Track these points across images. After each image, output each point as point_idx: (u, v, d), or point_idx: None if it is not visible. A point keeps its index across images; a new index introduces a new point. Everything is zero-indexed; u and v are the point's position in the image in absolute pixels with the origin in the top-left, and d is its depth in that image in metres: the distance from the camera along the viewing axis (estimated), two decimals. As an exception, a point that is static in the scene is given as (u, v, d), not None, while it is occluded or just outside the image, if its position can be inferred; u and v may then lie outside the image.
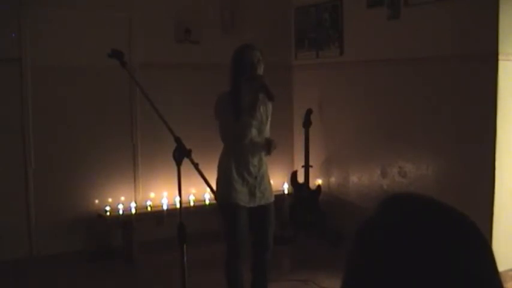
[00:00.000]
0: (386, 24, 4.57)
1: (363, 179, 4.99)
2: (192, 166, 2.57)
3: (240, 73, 3.18)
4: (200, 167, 2.57)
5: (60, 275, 4.41)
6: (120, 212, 4.74)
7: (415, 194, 0.78)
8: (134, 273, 4.61)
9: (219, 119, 3.27)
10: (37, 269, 4.43)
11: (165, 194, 4.90)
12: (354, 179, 5.10)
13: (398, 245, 0.70)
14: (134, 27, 4.88)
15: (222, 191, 3.25)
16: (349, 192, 5.15)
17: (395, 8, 4.48)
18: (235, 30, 5.31)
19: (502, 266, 0.81)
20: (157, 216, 4.90)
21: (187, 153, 2.58)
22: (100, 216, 4.74)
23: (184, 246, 2.60)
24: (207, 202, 5.07)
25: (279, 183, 5.38)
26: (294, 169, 5.48)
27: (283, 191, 5.48)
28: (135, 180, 4.97)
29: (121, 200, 4.79)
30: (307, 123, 5.17)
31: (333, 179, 5.36)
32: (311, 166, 5.20)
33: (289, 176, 5.41)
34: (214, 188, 3.22)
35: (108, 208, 4.73)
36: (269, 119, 3.36)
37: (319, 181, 5.36)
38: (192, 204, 5.03)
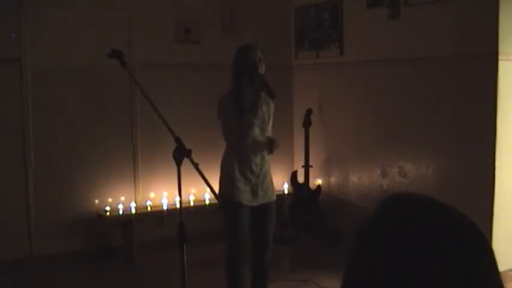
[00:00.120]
0: (386, 24, 4.57)
1: (363, 179, 4.99)
2: (192, 166, 2.56)
3: (241, 72, 3.19)
4: (200, 167, 2.57)
5: (60, 275, 4.41)
6: (120, 212, 4.74)
7: (415, 194, 0.78)
8: (134, 273, 4.61)
9: (221, 119, 3.27)
10: (37, 269, 4.43)
11: (165, 194, 4.91)
12: (354, 179, 5.10)
13: (398, 245, 0.70)
14: (134, 27, 4.88)
15: (225, 190, 3.27)
16: (349, 192, 5.15)
17: (395, 8, 4.48)
18: (235, 30, 5.31)
19: (502, 266, 0.81)
20: (157, 216, 4.90)
21: (187, 153, 2.58)
22: (100, 216, 4.74)
23: (184, 246, 2.60)
24: (207, 202, 5.07)
25: (279, 183, 5.38)
26: (294, 169, 5.48)
27: (283, 191, 5.48)
28: (135, 180, 4.97)
29: (121, 200, 4.79)
30: (307, 123, 5.17)
31: (333, 179, 5.36)
32: (311, 166, 5.20)
33: (289, 176, 5.41)
34: (217, 187, 3.23)
35: (108, 208, 4.73)
36: (271, 118, 3.36)
37: (319, 181, 5.36)
38: (192, 204, 5.03)
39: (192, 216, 4.36)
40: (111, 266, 4.68)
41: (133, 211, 4.80)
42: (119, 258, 4.75)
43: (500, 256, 0.81)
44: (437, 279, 0.67)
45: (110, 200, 4.78)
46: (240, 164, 3.24)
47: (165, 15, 5.01)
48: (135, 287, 4.42)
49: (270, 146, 3.24)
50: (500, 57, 3.74)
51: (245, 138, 3.19)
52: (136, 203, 4.88)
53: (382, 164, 4.75)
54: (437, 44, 4.16)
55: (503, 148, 3.84)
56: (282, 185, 5.47)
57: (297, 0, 5.61)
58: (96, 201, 4.78)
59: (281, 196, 5.29)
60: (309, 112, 5.19)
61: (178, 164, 2.59)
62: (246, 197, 3.23)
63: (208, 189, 2.62)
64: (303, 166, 5.21)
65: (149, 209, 4.92)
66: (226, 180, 3.28)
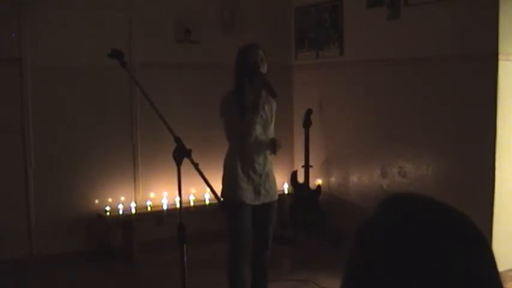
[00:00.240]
0: (386, 24, 4.57)
1: (363, 179, 4.99)
2: (192, 166, 2.56)
3: (243, 72, 3.20)
4: (200, 167, 2.57)
5: (60, 275, 4.41)
6: (120, 212, 4.74)
7: (415, 194, 0.78)
8: (134, 273, 4.61)
9: (223, 118, 3.28)
10: (37, 269, 4.43)
11: (165, 194, 4.91)
12: (354, 179, 5.10)
13: (398, 245, 0.70)
14: (134, 27, 4.88)
15: (228, 189, 3.28)
16: (349, 192, 5.15)
17: (395, 8, 4.48)
18: (235, 30, 5.31)
19: (502, 266, 0.82)
20: (157, 216, 4.90)
21: (187, 153, 2.58)
22: (100, 216, 4.74)
23: (184, 246, 2.60)
24: (207, 202, 5.07)
25: (279, 183, 5.36)
26: (294, 169, 5.48)
27: (283, 191, 5.48)
28: (135, 180, 4.97)
29: (121, 200, 4.79)
30: (307, 123, 5.17)
31: (333, 179, 5.36)
32: (311, 166, 5.20)
33: (289, 176, 5.41)
34: (217, 186, 3.23)
35: (108, 208, 4.73)
36: (274, 117, 3.37)
37: (319, 181, 5.36)
38: (192, 204, 5.03)
39: (192, 216, 4.36)
40: (111, 266, 4.68)
41: (133, 211, 4.80)
42: (119, 258, 4.75)
43: (500, 256, 0.81)
44: (437, 279, 0.67)
45: (110, 200, 4.78)
46: (242, 163, 3.25)
47: (165, 15, 5.01)
48: (135, 287, 4.42)
49: (273, 146, 3.25)
50: (500, 57, 3.74)
51: (247, 138, 3.20)
52: (136, 203, 4.88)
53: (382, 164, 4.75)
54: (437, 44, 4.16)
55: (503, 148, 3.84)
56: (282, 185, 5.47)
57: (297, 0, 5.61)
58: (96, 201, 4.78)
59: (281, 196, 5.27)
60: (309, 112, 5.19)
61: (178, 164, 2.59)
62: (248, 195, 3.24)
63: (208, 189, 2.61)
64: (303, 166, 5.21)
65: (149, 209, 4.92)
66: (229, 179, 3.29)
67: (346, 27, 5.07)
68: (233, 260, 3.29)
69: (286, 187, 5.52)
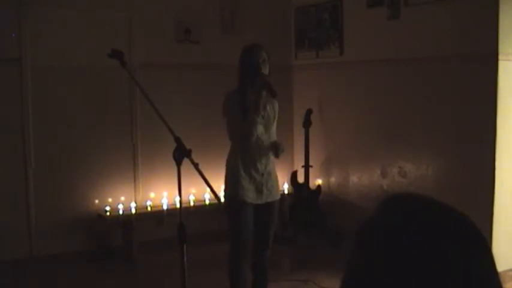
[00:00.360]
0: (386, 24, 4.57)
1: (363, 179, 4.99)
2: (192, 166, 2.56)
3: (246, 72, 3.21)
4: (200, 167, 2.57)
5: (60, 275, 4.41)
6: (120, 212, 4.74)
7: (415, 194, 0.78)
8: (134, 273, 4.61)
9: (226, 118, 3.29)
10: (37, 269, 4.43)
11: (165, 194, 4.91)
12: (354, 179, 5.10)
13: (398, 245, 0.70)
14: (134, 27, 4.88)
15: (230, 189, 3.29)
16: (349, 192, 5.15)
17: (395, 8, 4.48)
18: (235, 30, 5.31)
19: (502, 266, 0.82)
20: (157, 216, 4.90)
21: (187, 153, 2.58)
22: (100, 216, 4.74)
23: (184, 246, 2.60)
24: (207, 202, 5.07)
25: (279, 183, 5.37)
26: (294, 169, 5.48)
27: (283, 191, 5.47)
28: (135, 180, 4.97)
29: (121, 200, 4.79)
30: (307, 123, 5.17)
31: (333, 179, 5.36)
32: (311, 166, 5.20)
33: (289, 176, 5.41)
34: (217, 186, 3.24)
35: (108, 208, 4.73)
36: (276, 117, 3.38)
37: (319, 181, 5.36)
38: (192, 204, 5.03)
39: (192, 216, 4.36)
40: (111, 266, 4.68)
41: (133, 211, 4.80)
42: (119, 258, 4.75)
43: (500, 256, 0.81)
44: (437, 279, 0.67)
45: (110, 200, 4.78)
46: (244, 163, 3.26)
47: (165, 15, 5.01)
48: (135, 287, 4.42)
49: (276, 150, 3.27)
50: (500, 57, 3.74)
51: (249, 138, 3.20)
52: (136, 203, 4.88)
53: (382, 164, 4.75)
54: (437, 44, 4.16)
55: (503, 148, 3.84)
56: (282, 185, 5.46)
57: (297, 0, 5.61)
58: (96, 201, 4.78)
59: (281, 196, 5.27)
60: (309, 112, 5.19)
61: (178, 164, 2.59)
62: (250, 195, 3.25)
63: (208, 189, 2.61)
64: (303, 166, 5.21)
65: (149, 209, 4.92)
66: (231, 178, 3.30)
67: (346, 27, 5.07)
68: (234, 260, 3.29)
69: (286, 187, 5.52)
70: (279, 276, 4.14)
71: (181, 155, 2.58)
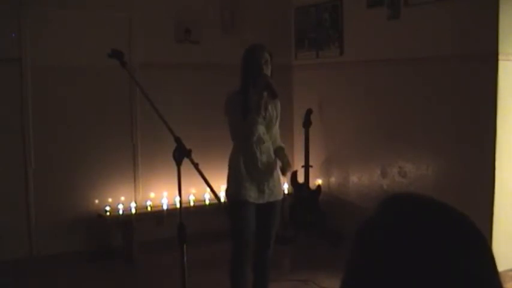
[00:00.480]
0: (386, 24, 4.57)
1: (363, 179, 4.99)
2: (192, 166, 2.56)
3: (248, 73, 3.22)
4: (200, 167, 2.57)
5: (60, 275, 4.41)
6: (120, 212, 4.74)
7: (415, 194, 0.78)
8: (134, 273, 4.61)
9: (228, 118, 3.29)
10: (37, 269, 4.43)
11: (165, 194, 4.91)
12: (354, 179, 5.10)
13: (398, 245, 0.70)
14: (134, 27, 4.88)
15: (232, 188, 3.30)
16: (349, 192, 5.15)
17: (395, 8, 4.48)
18: (235, 30, 5.31)
19: (502, 266, 0.82)
20: (157, 216, 4.90)
21: (187, 153, 2.58)
22: (100, 216, 4.74)
23: (184, 246, 2.60)
24: (207, 202, 5.07)
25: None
26: (294, 169, 5.47)
27: (283, 191, 5.47)
28: (135, 180, 4.97)
29: (121, 200, 4.79)
30: (307, 123, 5.17)
31: (333, 179, 5.36)
32: (311, 166, 5.20)
33: (289, 176, 5.40)
34: (218, 186, 3.25)
35: (108, 208, 4.73)
36: (279, 117, 3.38)
37: (319, 181, 5.35)
38: (192, 204, 5.03)
39: (192, 216, 4.36)
40: (111, 266, 4.68)
41: (133, 211, 4.80)
42: (119, 258, 4.75)
43: (500, 256, 0.81)
44: (437, 279, 0.67)
45: (110, 200, 4.78)
46: (246, 163, 3.26)
47: (165, 15, 5.01)
48: (135, 287, 4.42)
49: (283, 167, 3.30)
50: (500, 57, 3.74)
51: (250, 137, 3.21)
52: (136, 203, 4.88)
53: (382, 164, 4.75)
54: (437, 44, 4.16)
55: (503, 148, 3.84)
56: (282, 185, 5.46)
57: (297, 0, 5.61)
58: (96, 201, 4.78)
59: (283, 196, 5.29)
60: (309, 112, 5.19)
61: (178, 164, 2.59)
62: (252, 194, 3.25)
63: (208, 189, 2.61)
64: (303, 166, 5.21)
65: (149, 209, 4.92)
66: (233, 178, 3.31)
67: (346, 27, 5.07)
68: (235, 260, 3.29)
69: (286, 187, 5.51)
70: (279, 276, 4.14)
71: (181, 155, 2.58)
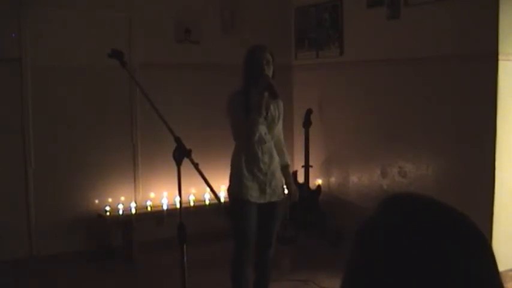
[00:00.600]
0: (386, 24, 4.57)
1: (363, 179, 4.99)
2: (192, 166, 2.56)
3: (250, 73, 3.22)
4: (200, 167, 2.57)
5: (60, 275, 4.41)
6: (120, 212, 4.74)
7: (415, 194, 0.78)
8: (134, 273, 4.61)
9: (229, 118, 3.30)
10: (37, 269, 4.42)
11: (165, 194, 4.90)
12: (354, 179, 5.10)
13: (398, 245, 0.70)
14: (134, 27, 4.88)
15: (233, 188, 3.31)
16: (349, 192, 5.15)
17: (395, 8, 4.48)
18: (235, 30, 5.31)
19: (502, 266, 0.81)
20: (157, 216, 4.90)
21: (187, 153, 2.58)
22: (100, 216, 4.74)
23: (184, 246, 2.59)
24: (207, 202, 5.07)
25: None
26: (294, 169, 5.47)
27: (284, 191, 5.47)
28: (135, 180, 4.97)
29: (121, 200, 4.79)
30: (307, 123, 5.17)
31: (333, 179, 5.36)
32: (311, 166, 5.20)
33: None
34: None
35: (108, 208, 4.73)
36: (281, 117, 3.38)
37: (319, 181, 5.35)
38: (192, 204, 5.03)
39: (192, 216, 4.36)
40: (111, 266, 4.68)
41: (133, 211, 4.80)
42: (119, 258, 4.75)
43: (500, 256, 0.81)
44: (437, 279, 0.67)
45: (110, 200, 4.78)
46: (248, 162, 3.27)
47: (165, 15, 5.01)
48: (135, 287, 4.42)
49: (290, 194, 3.48)
50: (500, 57, 3.74)
51: (251, 137, 3.21)
52: (136, 203, 4.88)
53: (382, 164, 4.75)
54: (437, 44, 4.16)
55: (503, 148, 3.84)
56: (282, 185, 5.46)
57: (297, 0, 5.61)
58: (96, 201, 4.78)
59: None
60: (309, 112, 5.19)
61: (178, 164, 2.59)
62: (253, 194, 3.26)
63: (208, 189, 2.61)
64: (303, 166, 5.21)
65: (149, 209, 4.92)
66: (234, 177, 3.32)
67: (346, 27, 5.07)
68: (237, 260, 3.29)
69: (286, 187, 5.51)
70: (279, 276, 4.14)
71: (181, 155, 2.58)
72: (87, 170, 4.73)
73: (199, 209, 5.01)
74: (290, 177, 3.54)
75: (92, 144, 4.74)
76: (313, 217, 5.15)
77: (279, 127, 3.40)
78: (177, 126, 2.74)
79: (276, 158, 3.37)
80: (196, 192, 5.02)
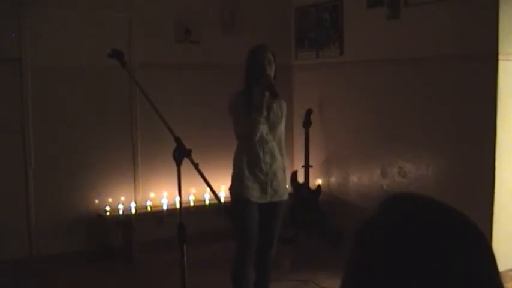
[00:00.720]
0: (386, 24, 4.57)
1: (363, 179, 4.99)
2: (192, 166, 2.56)
3: (251, 73, 3.23)
4: (200, 167, 2.57)
5: (60, 275, 4.41)
6: (120, 212, 4.74)
7: (415, 194, 0.78)
8: (134, 273, 4.61)
9: (232, 118, 3.30)
10: (37, 269, 4.43)
11: (165, 194, 4.90)
12: (354, 179, 5.10)
13: (398, 245, 0.70)
14: (134, 27, 4.88)
15: (235, 187, 3.32)
16: (349, 192, 5.15)
17: (395, 8, 4.48)
18: (235, 30, 5.31)
19: (502, 266, 0.81)
20: (157, 216, 4.90)
21: (187, 153, 2.58)
22: (100, 216, 4.74)
23: (184, 246, 2.60)
24: (207, 202, 5.07)
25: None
26: (294, 169, 5.47)
27: (287, 191, 5.47)
28: (135, 180, 4.97)
29: (121, 200, 4.79)
30: (307, 123, 5.17)
31: (333, 179, 5.35)
32: (311, 166, 5.20)
33: (289, 176, 5.40)
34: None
35: (108, 208, 4.73)
36: (284, 117, 3.38)
37: (319, 181, 5.35)
38: (192, 204, 5.03)
39: (192, 216, 4.36)
40: (111, 266, 4.68)
41: (133, 211, 4.80)
42: (119, 258, 4.75)
43: (500, 256, 0.81)
44: (437, 279, 0.67)
45: (110, 200, 4.78)
46: (249, 162, 3.28)
47: (165, 15, 5.01)
48: (135, 287, 4.42)
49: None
50: (500, 57, 3.73)
51: (252, 137, 3.21)
52: (136, 203, 4.88)
53: (382, 164, 4.75)
54: (437, 44, 4.16)
55: (503, 148, 3.84)
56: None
57: (297, 0, 5.61)
58: (96, 201, 4.78)
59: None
60: (309, 112, 5.19)
61: (178, 164, 2.59)
62: (254, 194, 3.26)
63: (208, 189, 2.61)
64: (303, 166, 5.21)
65: (149, 209, 4.92)
66: (236, 177, 3.33)
67: (346, 27, 5.07)
68: (238, 260, 3.29)
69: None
70: (279, 276, 4.14)
71: (181, 155, 2.58)
72: (87, 170, 4.73)
73: (199, 209, 5.01)
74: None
75: (92, 144, 4.74)
76: (313, 217, 5.15)
77: (282, 127, 3.40)
78: (177, 126, 2.74)
79: (279, 158, 3.36)
80: (196, 192, 5.02)
